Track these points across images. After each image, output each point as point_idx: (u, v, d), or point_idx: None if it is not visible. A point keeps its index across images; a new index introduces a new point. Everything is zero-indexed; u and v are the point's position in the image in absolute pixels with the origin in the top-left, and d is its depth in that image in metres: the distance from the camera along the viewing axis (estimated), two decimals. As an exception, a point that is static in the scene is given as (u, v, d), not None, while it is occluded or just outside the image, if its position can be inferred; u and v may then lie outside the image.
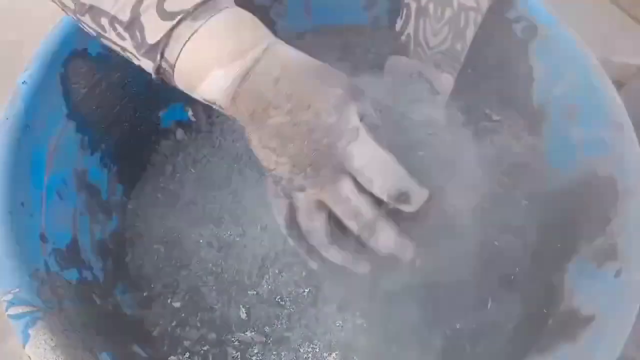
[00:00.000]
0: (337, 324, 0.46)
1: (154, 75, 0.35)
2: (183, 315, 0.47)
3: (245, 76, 0.33)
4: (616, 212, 0.39)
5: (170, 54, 0.33)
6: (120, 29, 0.34)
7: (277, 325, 0.46)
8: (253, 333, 0.46)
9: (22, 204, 0.38)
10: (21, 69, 0.42)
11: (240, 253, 0.49)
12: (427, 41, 0.46)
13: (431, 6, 0.45)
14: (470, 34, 0.45)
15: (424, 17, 0.45)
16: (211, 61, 0.33)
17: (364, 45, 0.57)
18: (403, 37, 0.47)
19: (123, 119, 0.51)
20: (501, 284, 0.47)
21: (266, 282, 0.48)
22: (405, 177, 0.34)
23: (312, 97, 0.32)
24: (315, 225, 0.36)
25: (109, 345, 0.39)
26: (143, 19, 0.33)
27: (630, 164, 0.40)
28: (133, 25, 0.33)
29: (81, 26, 0.37)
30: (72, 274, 0.41)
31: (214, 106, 0.35)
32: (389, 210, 0.35)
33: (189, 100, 0.56)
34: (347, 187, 0.34)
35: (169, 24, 0.32)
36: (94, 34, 0.36)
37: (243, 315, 0.47)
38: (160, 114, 0.55)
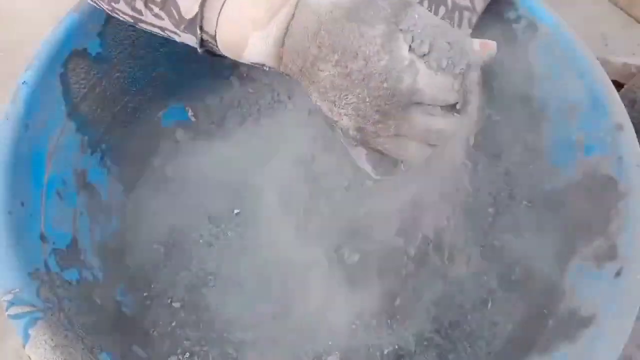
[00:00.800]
0: (341, 325, 0.46)
1: (199, 49, 0.35)
2: (183, 315, 0.47)
3: (283, 36, 0.32)
4: (616, 212, 0.39)
5: (208, 25, 0.33)
6: (156, 10, 0.34)
7: (277, 325, 0.46)
8: (253, 333, 0.46)
9: (22, 203, 0.38)
10: (21, 69, 0.42)
11: (240, 253, 0.49)
12: None
13: (425, 4, 0.44)
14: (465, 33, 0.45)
15: None
16: (248, 27, 0.33)
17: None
18: None
19: (123, 119, 0.51)
20: (501, 284, 0.47)
21: (266, 282, 0.48)
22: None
23: (356, 43, 0.31)
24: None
25: (108, 345, 0.39)
26: None
27: (630, 164, 0.40)
28: (167, 3, 0.34)
29: (115, 15, 0.37)
30: (72, 274, 0.41)
31: (265, 68, 0.35)
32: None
33: (189, 100, 0.57)
34: (420, 117, 0.33)
35: None
36: (131, 21, 0.36)
37: (243, 315, 0.47)
38: (160, 114, 0.55)
